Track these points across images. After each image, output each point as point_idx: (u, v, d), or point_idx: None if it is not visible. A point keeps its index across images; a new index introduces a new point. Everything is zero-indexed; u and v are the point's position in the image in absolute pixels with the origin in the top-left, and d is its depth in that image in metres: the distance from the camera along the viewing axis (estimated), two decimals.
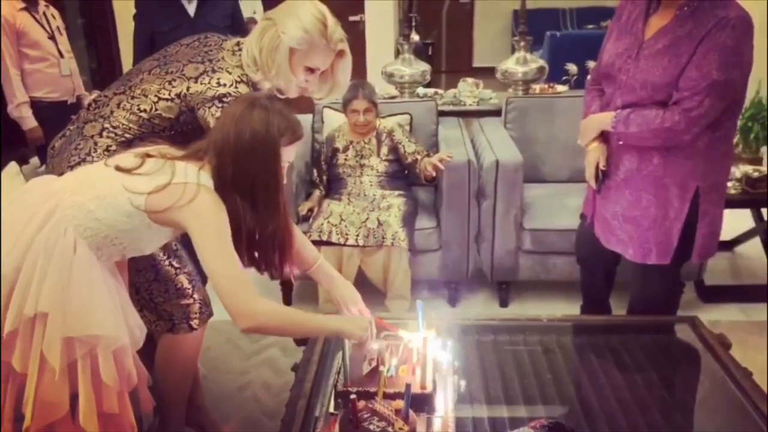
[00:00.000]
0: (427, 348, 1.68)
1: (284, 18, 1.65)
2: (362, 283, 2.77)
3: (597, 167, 2.03)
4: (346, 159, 2.92)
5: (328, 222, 2.66)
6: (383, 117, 3.01)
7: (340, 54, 1.70)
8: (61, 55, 3.60)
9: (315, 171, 2.97)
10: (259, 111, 1.43)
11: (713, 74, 1.77)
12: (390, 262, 2.68)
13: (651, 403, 1.63)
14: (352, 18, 5.65)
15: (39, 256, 1.35)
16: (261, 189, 1.43)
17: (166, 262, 1.77)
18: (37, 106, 3.50)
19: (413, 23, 6.53)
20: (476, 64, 8.60)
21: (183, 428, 1.96)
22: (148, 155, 1.44)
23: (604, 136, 2.03)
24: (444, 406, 1.56)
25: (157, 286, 1.77)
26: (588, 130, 2.06)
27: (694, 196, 1.91)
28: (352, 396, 1.41)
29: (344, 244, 2.65)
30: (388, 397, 1.49)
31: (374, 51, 5.48)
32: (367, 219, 2.67)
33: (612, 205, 2.05)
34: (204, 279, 2.14)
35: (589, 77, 2.25)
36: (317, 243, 2.66)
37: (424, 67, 3.58)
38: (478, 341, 1.98)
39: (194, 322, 1.82)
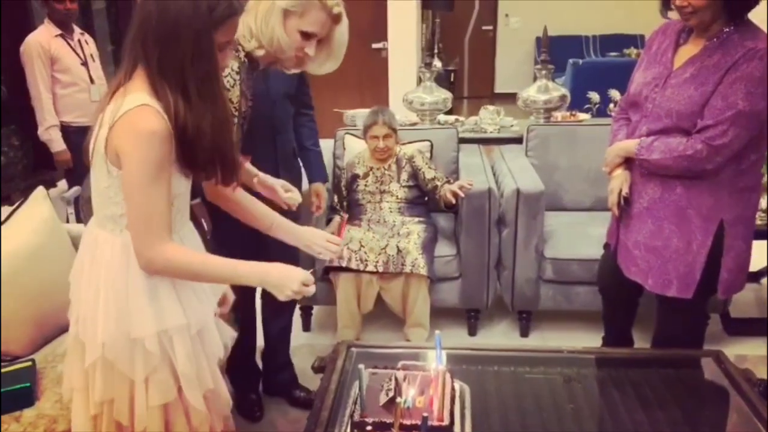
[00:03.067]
0: (445, 379, 1.67)
1: None
2: (381, 310, 2.77)
3: (620, 194, 2.02)
4: (366, 185, 2.93)
5: (348, 248, 2.66)
6: (404, 144, 3.02)
7: (335, 18, 1.68)
8: (92, 81, 3.69)
9: (336, 196, 2.99)
10: None
11: (738, 104, 1.75)
12: (409, 289, 2.67)
13: None
14: (375, 45, 5.71)
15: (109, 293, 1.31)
16: (191, 77, 1.23)
17: None
18: (66, 130, 3.58)
19: (435, 51, 6.63)
20: (498, 90, 8.64)
21: None
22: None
23: (628, 164, 2.02)
24: None
25: None
26: (612, 156, 2.06)
27: (718, 229, 1.88)
28: (368, 427, 1.40)
29: (363, 271, 2.65)
30: (404, 428, 1.48)
31: (397, 78, 5.53)
32: (386, 245, 2.67)
33: (634, 234, 2.03)
34: None
35: (615, 106, 2.25)
36: (336, 269, 2.67)
37: (445, 94, 3.59)
38: (497, 372, 1.96)
39: None
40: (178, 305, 1.32)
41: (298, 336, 2.83)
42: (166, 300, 1.31)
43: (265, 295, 2.23)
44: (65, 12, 3.56)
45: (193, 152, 1.27)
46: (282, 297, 1.38)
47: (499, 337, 2.91)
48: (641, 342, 2.40)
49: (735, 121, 1.76)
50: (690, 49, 1.88)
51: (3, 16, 3.37)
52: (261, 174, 1.83)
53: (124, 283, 1.31)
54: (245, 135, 1.87)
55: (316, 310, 3.01)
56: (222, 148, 1.30)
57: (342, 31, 1.72)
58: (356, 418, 1.55)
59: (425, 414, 1.42)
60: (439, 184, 2.82)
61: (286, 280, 1.36)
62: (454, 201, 2.66)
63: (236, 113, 1.72)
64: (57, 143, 3.55)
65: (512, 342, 2.85)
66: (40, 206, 2.08)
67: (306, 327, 2.97)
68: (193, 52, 1.22)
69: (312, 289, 1.40)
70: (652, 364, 1.98)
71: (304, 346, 2.79)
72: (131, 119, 1.20)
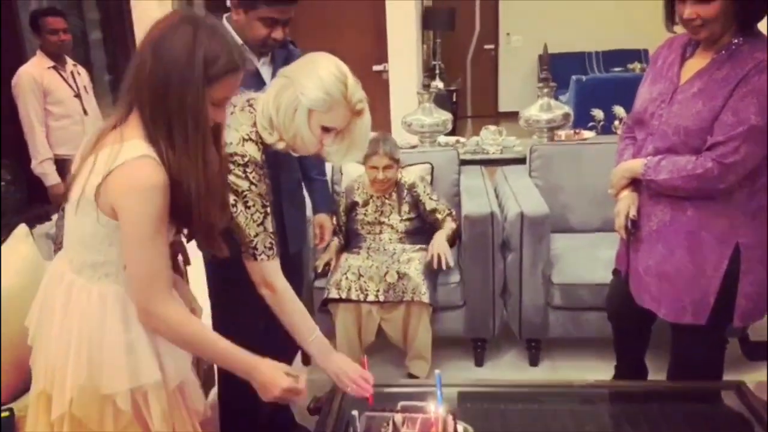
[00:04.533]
0: (446, 423, 1.56)
1: (303, 77, 1.56)
2: (383, 342, 2.66)
3: (627, 217, 1.91)
4: (365, 215, 2.83)
5: (347, 278, 2.56)
6: (403, 167, 2.93)
7: (358, 113, 1.62)
8: (86, 113, 3.63)
9: (335, 219, 2.88)
10: (185, 30, 1.18)
11: (751, 119, 1.65)
12: (410, 318, 2.56)
13: None
14: (375, 68, 5.67)
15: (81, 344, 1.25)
16: (177, 130, 1.18)
17: None
18: (60, 163, 3.52)
19: (437, 71, 6.58)
20: (502, 108, 8.58)
21: None
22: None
23: (636, 185, 1.92)
24: None
25: None
26: (618, 178, 1.96)
27: (735, 252, 1.77)
28: None
29: (364, 301, 2.54)
30: None
31: (399, 100, 5.47)
32: (386, 273, 2.56)
33: (645, 259, 1.92)
34: None
35: (620, 123, 2.15)
36: (335, 301, 2.57)
37: (445, 116, 3.51)
38: (503, 411, 1.84)
39: None
40: (154, 360, 1.25)
41: (298, 370, 2.71)
42: (143, 354, 1.23)
43: (267, 331, 2.15)
44: (59, 43, 3.52)
45: (176, 210, 1.23)
46: (264, 398, 1.37)
47: (508, 367, 2.79)
48: (656, 370, 2.27)
49: (747, 137, 1.66)
50: (697, 63, 1.78)
51: None
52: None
53: (99, 334, 1.24)
54: None
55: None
56: (200, 208, 1.24)
57: (364, 124, 1.65)
58: None
59: None
60: (440, 217, 2.74)
61: (270, 384, 1.34)
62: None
63: (264, 205, 1.63)
64: (51, 177, 3.49)
65: (521, 372, 2.73)
66: (21, 245, 2.00)
67: (306, 360, 2.85)
68: (180, 104, 1.18)
69: (300, 398, 1.43)
70: (668, 398, 1.86)
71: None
72: (131, 173, 1.16)
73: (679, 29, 1.82)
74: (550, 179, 3.08)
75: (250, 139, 1.59)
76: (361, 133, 1.67)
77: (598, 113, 3.40)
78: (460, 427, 1.63)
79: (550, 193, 3.00)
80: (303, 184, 2.25)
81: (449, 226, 2.74)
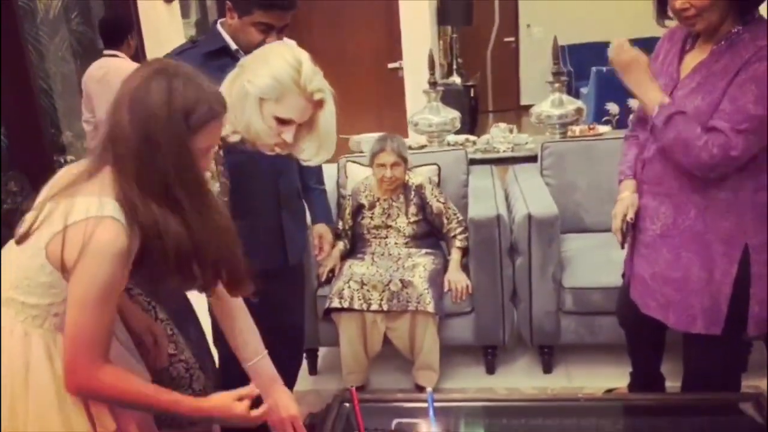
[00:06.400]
0: None
1: (254, 64, 1.50)
2: (391, 350, 2.59)
3: (624, 220, 1.81)
4: (371, 218, 2.75)
5: (349, 287, 2.49)
6: (410, 168, 2.85)
7: (318, 104, 1.52)
8: None
9: (340, 222, 2.82)
10: (159, 83, 1.12)
11: (749, 108, 1.53)
12: (416, 327, 2.48)
13: None
14: (390, 65, 5.58)
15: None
16: (179, 190, 1.13)
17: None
18: None
19: (454, 66, 6.45)
20: (524, 102, 8.42)
21: None
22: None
23: (637, 188, 1.81)
24: None
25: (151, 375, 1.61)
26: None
27: (744, 255, 1.65)
28: None
29: (367, 310, 2.47)
30: None
31: (414, 98, 5.36)
32: (390, 281, 2.49)
33: (649, 265, 1.81)
34: (210, 365, 1.99)
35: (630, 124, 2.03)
36: (338, 310, 2.50)
37: (453, 114, 3.41)
38: (506, 426, 1.76)
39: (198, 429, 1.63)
40: (84, 413, 1.19)
41: (304, 380, 2.67)
42: (74, 407, 1.18)
43: (270, 342, 2.09)
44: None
45: (189, 267, 1.17)
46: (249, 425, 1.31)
47: (521, 374, 2.69)
48: (674, 377, 2.16)
49: (747, 128, 1.53)
50: (697, 55, 1.66)
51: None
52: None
53: (23, 374, 1.18)
54: (246, 178, 1.75)
55: (321, 350, 2.84)
56: (228, 257, 1.21)
57: (327, 116, 1.54)
58: None
59: None
60: (449, 226, 2.67)
61: (229, 421, 1.28)
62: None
63: (222, 201, 1.55)
64: None
65: (534, 379, 2.63)
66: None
67: (312, 370, 2.81)
68: (173, 163, 1.12)
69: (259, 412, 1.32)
70: (682, 412, 1.75)
71: (310, 393, 2.63)
72: (92, 232, 1.09)
73: (671, 23, 1.70)
74: (563, 177, 2.97)
75: None
76: (326, 128, 1.56)
77: (613, 107, 3.27)
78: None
79: (562, 192, 2.89)
80: (302, 194, 2.18)
81: (459, 245, 2.65)
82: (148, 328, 1.50)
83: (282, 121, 1.50)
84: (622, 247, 1.88)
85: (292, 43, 1.76)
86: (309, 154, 1.60)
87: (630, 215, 1.79)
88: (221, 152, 1.54)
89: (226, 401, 1.27)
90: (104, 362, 1.17)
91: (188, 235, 1.14)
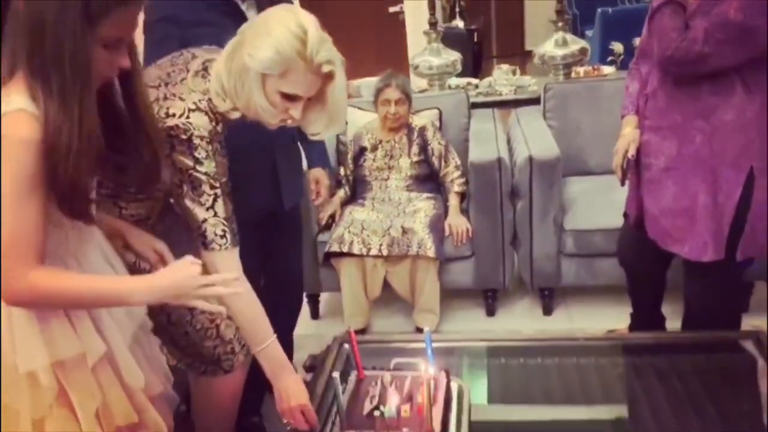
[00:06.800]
0: (438, 382, 1.49)
1: (255, 35, 1.31)
2: (392, 294, 2.60)
3: (625, 156, 1.79)
4: (374, 160, 2.73)
5: (349, 232, 2.48)
6: (413, 112, 2.80)
7: (328, 77, 1.36)
8: None
9: (341, 169, 2.79)
10: None
11: (730, 14, 1.51)
12: (417, 272, 2.48)
13: None
14: (391, 9, 5.45)
15: None
16: (55, 77, 1.03)
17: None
18: None
19: (457, 9, 6.28)
20: (529, 47, 8.22)
21: None
22: None
23: (639, 124, 1.78)
24: None
25: (174, 330, 1.56)
26: None
27: (748, 178, 1.64)
28: None
29: (367, 255, 2.46)
30: None
31: (415, 43, 5.24)
32: (390, 226, 2.48)
33: (658, 201, 1.80)
34: None
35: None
36: (338, 255, 2.50)
37: (455, 56, 3.33)
38: (503, 365, 1.77)
39: (226, 364, 1.60)
40: (71, 333, 1.15)
41: (305, 324, 2.69)
42: (58, 329, 1.14)
43: (268, 288, 2.07)
44: None
45: (51, 167, 1.06)
46: (193, 303, 1.21)
47: (521, 316, 2.70)
48: (675, 318, 2.16)
49: (722, 31, 1.53)
50: None
51: None
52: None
53: (6, 311, 1.12)
54: (238, 121, 1.63)
55: (323, 296, 2.85)
56: (68, 165, 1.07)
57: (337, 90, 1.38)
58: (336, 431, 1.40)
59: (405, 430, 1.23)
60: (443, 165, 2.67)
61: (183, 281, 1.16)
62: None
63: (214, 186, 1.39)
64: None
65: (535, 322, 2.64)
66: None
67: (314, 315, 2.83)
68: (57, 50, 1.03)
69: (198, 279, 1.19)
70: (681, 350, 1.75)
71: (312, 336, 2.64)
72: (4, 125, 1.03)
73: None
74: (566, 119, 2.91)
75: (198, 108, 1.35)
76: (336, 101, 1.40)
77: (618, 47, 3.18)
78: (454, 384, 1.57)
79: (565, 135, 2.85)
80: (298, 139, 2.14)
81: (458, 190, 2.64)
82: (150, 245, 1.41)
83: (288, 97, 1.36)
84: (622, 185, 1.87)
85: (296, 6, 1.60)
86: (317, 127, 1.46)
87: (631, 152, 1.77)
88: (218, 129, 1.41)
89: (182, 264, 1.18)
90: (36, 265, 1.08)
91: (53, 131, 1.04)
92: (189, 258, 1.20)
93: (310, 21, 1.32)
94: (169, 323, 1.54)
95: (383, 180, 2.72)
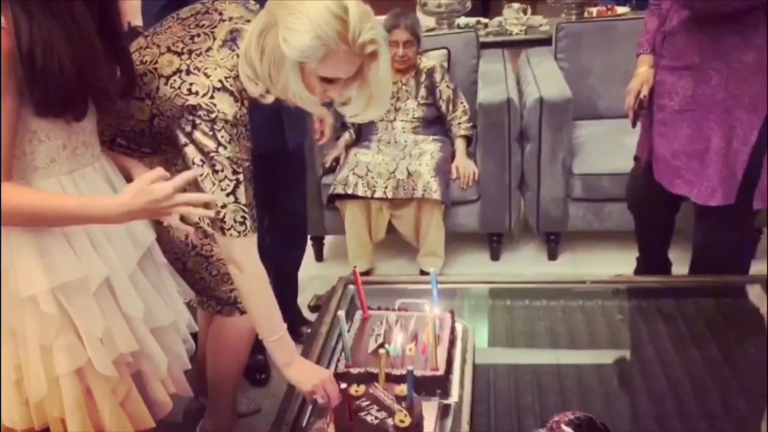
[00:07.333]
0: (443, 322, 1.49)
1: (289, 16, 1.17)
2: (396, 237, 2.59)
3: (638, 96, 1.75)
4: None
5: (354, 174, 2.45)
6: (421, 53, 2.73)
7: (372, 56, 1.23)
8: None
9: None
10: None
11: None
12: (422, 215, 2.46)
13: (709, 386, 1.38)
14: None
15: None
16: None
17: (193, 252, 1.53)
18: None
19: None
20: None
21: (234, 417, 1.78)
22: None
23: (654, 63, 1.73)
24: (458, 389, 1.36)
25: (190, 276, 1.56)
26: None
27: (765, 124, 1.60)
28: (343, 385, 1.23)
29: (371, 197, 2.44)
30: (393, 380, 1.31)
31: None
32: (396, 169, 2.44)
33: (671, 142, 1.76)
34: None
35: None
36: (342, 197, 2.47)
37: None
38: (508, 307, 1.76)
39: (243, 306, 1.58)
40: (72, 257, 1.13)
41: (310, 267, 2.69)
42: (58, 254, 1.12)
43: (271, 228, 2.05)
44: None
45: (46, 83, 1.01)
46: (165, 220, 1.21)
47: (525, 261, 2.69)
48: (682, 264, 2.14)
49: None
50: None
51: None
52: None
53: (5, 235, 1.09)
54: None
55: (328, 239, 2.84)
56: (87, 75, 1.03)
57: (381, 69, 1.25)
58: (340, 368, 1.40)
59: (410, 367, 1.23)
60: (451, 109, 2.62)
61: (155, 200, 1.10)
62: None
63: (236, 171, 1.30)
64: None
65: (539, 266, 2.63)
66: None
67: (319, 257, 2.82)
68: None
69: (167, 188, 1.11)
70: (687, 294, 1.74)
71: (317, 278, 2.64)
72: None
73: None
74: (578, 61, 2.84)
75: (224, 88, 1.24)
76: (379, 84, 1.27)
77: None
78: (459, 325, 1.56)
79: (577, 77, 2.78)
80: None
81: (464, 133, 2.60)
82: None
83: (327, 80, 1.25)
84: (633, 126, 1.83)
85: None
86: (356, 109, 1.33)
87: (644, 92, 1.73)
88: (244, 110, 1.30)
89: (140, 185, 1.12)
90: (4, 179, 1.03)
91: (41, 43, 0.99)
92: (160, 171, 1.13)
93: None
94: (185, 270, 1.54)
95: (389, 122, 2.67)
